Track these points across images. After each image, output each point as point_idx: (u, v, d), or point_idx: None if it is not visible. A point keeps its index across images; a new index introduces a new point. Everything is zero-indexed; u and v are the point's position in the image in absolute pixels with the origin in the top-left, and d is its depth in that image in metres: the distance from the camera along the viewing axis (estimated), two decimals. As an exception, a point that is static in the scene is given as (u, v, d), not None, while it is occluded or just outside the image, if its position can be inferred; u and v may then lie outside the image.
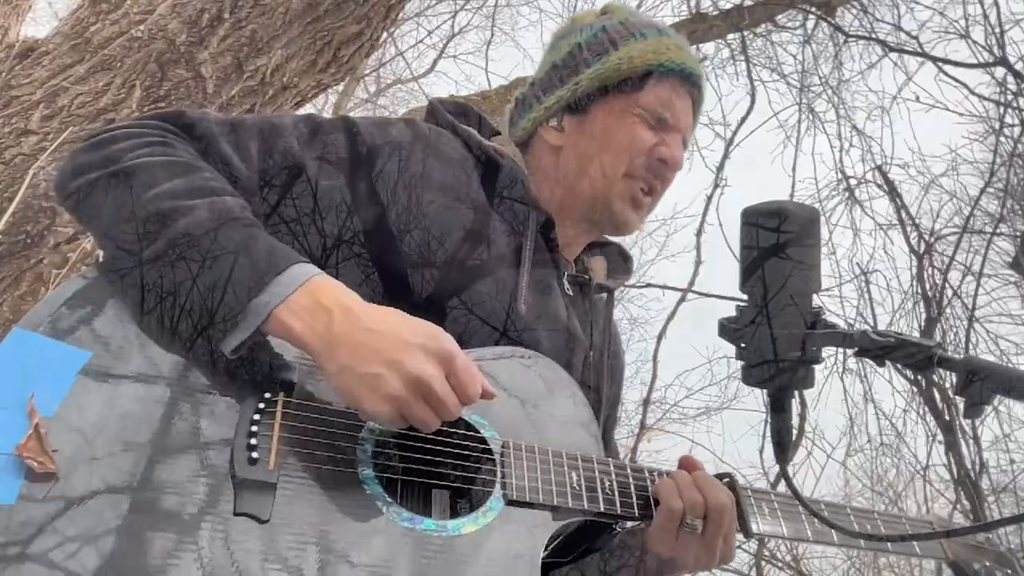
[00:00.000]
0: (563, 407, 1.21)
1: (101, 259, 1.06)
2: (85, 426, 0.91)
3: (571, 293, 1.38)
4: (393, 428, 1.02)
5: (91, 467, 0.89)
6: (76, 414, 0.91)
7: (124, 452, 0.91)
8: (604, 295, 1.48)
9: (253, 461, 0.94)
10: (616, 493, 1.14)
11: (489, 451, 1.09)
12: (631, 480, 1.17)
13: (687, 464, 1.25)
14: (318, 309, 0.98)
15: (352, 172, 1.21)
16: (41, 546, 0.83)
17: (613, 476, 1.16)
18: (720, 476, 1.27)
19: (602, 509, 1.12)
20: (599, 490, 1.13)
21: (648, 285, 7.53)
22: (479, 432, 1.10)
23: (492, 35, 8.11)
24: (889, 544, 1.32)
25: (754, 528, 1.22)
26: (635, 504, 1.15)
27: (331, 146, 1.22)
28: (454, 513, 1.06)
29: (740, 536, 1.24)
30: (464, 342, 1.18)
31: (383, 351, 0.97)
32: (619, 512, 1.13)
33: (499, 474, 1.07)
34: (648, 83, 1.34)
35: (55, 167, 2.43)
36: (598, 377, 1.38)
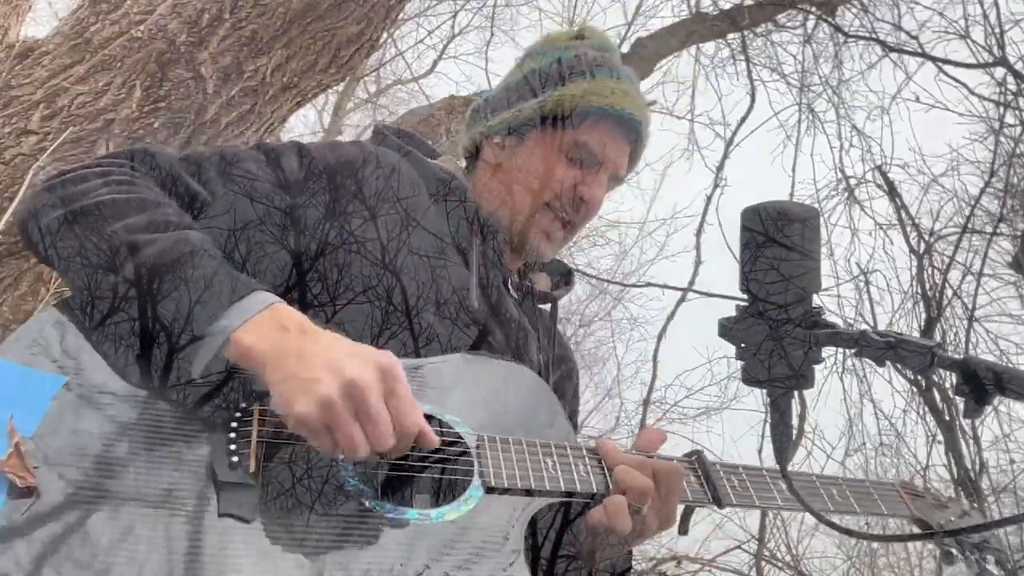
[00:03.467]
0: (531, 406, 1.25)
1: (68, 296, 1.08)
2: (63, 447, 0.93)
3: (516, 296, 1.44)
4: (318, 446, 0.97)
5: (71, 486, 0.90)
6: (54, 435, 0.93)
7: (104, 472, 0.92)
8: (548, 306, 1.54)
9: (234, 465, 0.96)
10: (591, 474, 1.17)
11: (465, 445, 1.12)
12: (603, 462, 1.19)
13: (644, 440, 1.27)
14: (275, 328, 1.00)
15: (308, 192, 1.27)
16: (26, 564, 0.84)
17: (587, 460, 1.19)
18: (689, 454, 1.30)
19: (579, 489, 1.15)
20: (574, 472, 1.16)
21: (648, 285, 7.53)
22: (453, 429, 1.13)
23: (492, 35, 8.09)
24: (857, 507, 1.34)
25: (726, 500, 1.24)
26: (609, 484, 1.17)
27: (287, 170, 1.28)
28: (435, 505, 1.09)
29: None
30: (424, 341, 1.24)
31: (326, 359, 0.96)
32: (595, 491, 1.16)
33: (476, 464, 1.10)
34: (586, 123, 1.41)
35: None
36: (549, 374, 1.43)
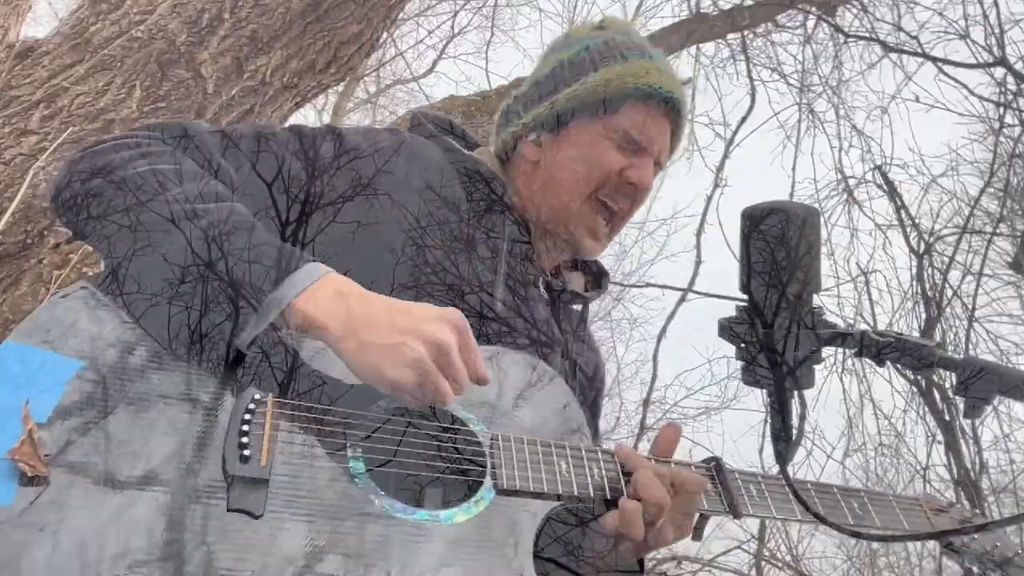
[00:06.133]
0: (550, 405, 1.23)
1: (101, 270, 1.07)
2: (77, 433, 0.92)
3: (547, 298, 1.41)
4: (409, 401, 1.04)
5: (83, 472, 0.90)
6: (68, 421, 0.93)
7: (117, 457, 0.92)
8: (579, 307, 1.51)
9: (245, 459, 0.95)
10: (605, 479, 1.15)
11: (478, 444, 1.10)
12: (619, 466, 1.18)
13: (661, 442, 1.25)
14: (335, 296, 1.02)
15: (340, 178, 1.25)
16: (34, 549, 0.83)
17: (602, 463, 1.17)
18: (707, 460, 1.28)
19: (592, 495, 1.13)
20: (588, 476, 1.14)
21: (648, 285, 7.53)
22: (467, 426, 1.12)
23: (492, 35, 8.08)
24: (877, 520, 1.32)
25: (743, 510, 1.22)
26: (624, 489, 1.16)
27: (319, 154, 1.25)
28: (446, 505, 1.07)
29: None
30: None
31: (403, 323, 1.01)
32: (608, 497, 1.14)
33: (489, 464, 1.08)
34: (623, 107, 1.37)
35: (55, 167, 2.43)
36: (573, 380, 1.40)
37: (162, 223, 1.03)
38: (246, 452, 0.96)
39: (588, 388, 1.47)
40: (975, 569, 1.33)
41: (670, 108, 1.40)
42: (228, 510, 0.92)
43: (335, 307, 1.01)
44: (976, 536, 1.35)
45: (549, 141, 1.41)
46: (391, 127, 1.43)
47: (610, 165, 1.37)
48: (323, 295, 1.02)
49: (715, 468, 1.26)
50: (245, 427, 0.98)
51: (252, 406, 1.01)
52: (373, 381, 1.01)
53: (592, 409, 1.49)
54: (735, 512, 1.22)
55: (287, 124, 1.35)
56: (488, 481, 1.07)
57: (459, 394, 1.03)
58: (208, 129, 1.22)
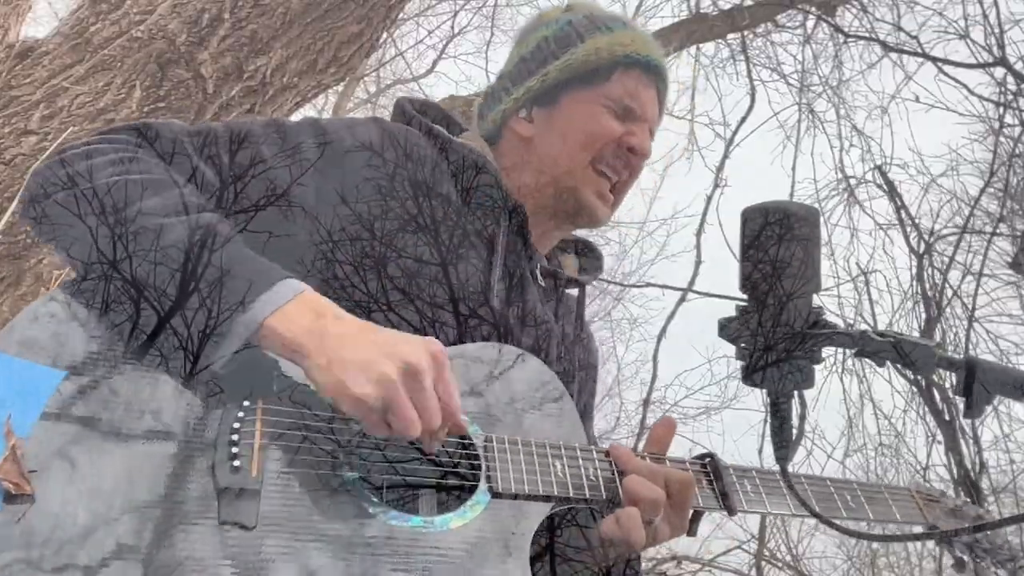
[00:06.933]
0: (546, 403, 1.22)
1: (72, 279, 1.04)
2: (61, 446, 0.90)
3: (544, 285, 1.40)
4: (370, 426, 0.98)
5: (69, 487, 0.87)
6: (51, 434, 0.90)
7: (103, 469, 0.90)
8: (575, 291, 1.49)
9: (236, 469, 0.93)
10: (600, 480, 1.14)
11: (472, 446, 1.09)
12: (614, 466, 1.18)
13: (654, 438, 1.26)
14: (309, 314, 0.99)
15: (322, 174, 1.21)
16: (21, 570, 0.82)
17: (597, 463, 1.16)
18: (701, 456, 1.28)
19: (587, 496, 1.12)
20: (584, 478, 1.13)
21: (648, 285, 7.54)
22: None
23: (492, 35, 8.08)
24: (871, 512, 1.33)
25: (738, 507, 1.22)
26: (620, 490, 1.15)
27: (300, 150, 1.22)
28: (441, 510, 1.06)
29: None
30: (438, 337, 1.18)
31: (378, 342, 0.97)
32: (604, 498, 1.14)
33: (484, 468, 1.07)
34: (615, 74, 1.38)
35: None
36: (572, 368, 1.39)
37: (124, 241, 0.99)
38: (236, 463, 0.93)
39: (583, 381, 1.46)
40: (965, 558, 1.34)
41: (657, 77, 1.42)
42: (220, 523, 0.89)
43: (309, 327, 0.98)
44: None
45: (542, 115, 1.40)
46: (375, 117, 1.38)
47: (609, 132, 1.36)
48: (297, 315, 0.99)
49: (710, 464, 1.26)
50: (235, 436, 0.96)
51: (241, 414, 0.99)
52: (337, 397, 0.96)
53: (586, 403, 1.48)
54: (729, 509, 1.22)
55: (267, 119, 1.30)
56: (483, 485, 1.06)
57: (427, 429, 0.97)
58: (184, 128, 1.19)
